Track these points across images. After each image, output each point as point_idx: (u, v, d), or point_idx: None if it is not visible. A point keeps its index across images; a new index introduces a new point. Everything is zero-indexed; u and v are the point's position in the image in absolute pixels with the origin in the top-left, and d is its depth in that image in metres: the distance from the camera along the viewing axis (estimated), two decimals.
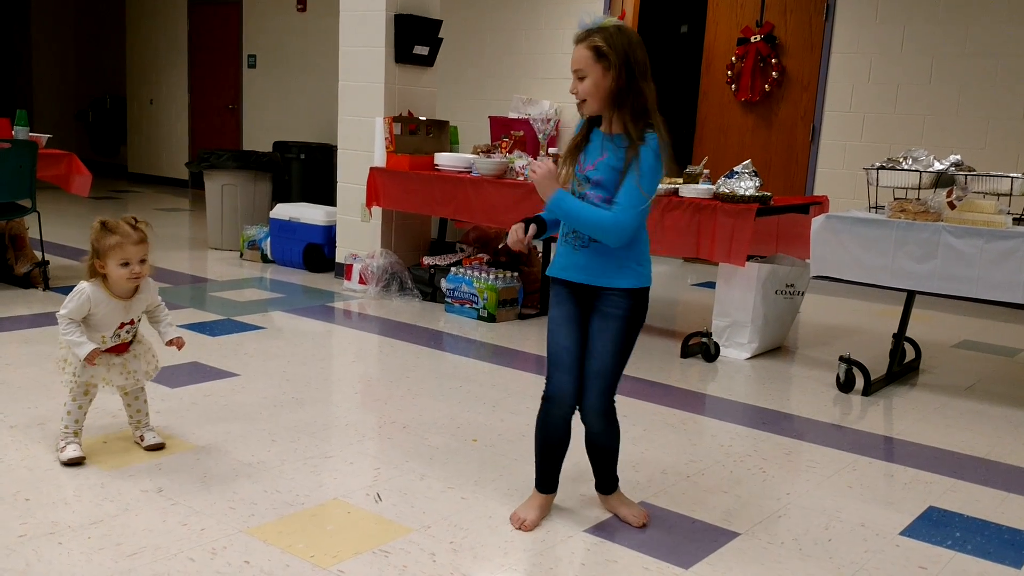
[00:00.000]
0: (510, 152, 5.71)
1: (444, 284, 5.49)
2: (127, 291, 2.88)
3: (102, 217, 2.87)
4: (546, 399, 2.61)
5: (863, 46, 7.15)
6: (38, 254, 5.51)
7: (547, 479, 2.70)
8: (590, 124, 2.58)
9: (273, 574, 2.27)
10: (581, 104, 2.52)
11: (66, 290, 5.32)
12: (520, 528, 2.62)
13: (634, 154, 2.42)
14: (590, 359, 2.57)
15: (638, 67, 2.44)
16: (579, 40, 2.48)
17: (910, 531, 2.74)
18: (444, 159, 5.65)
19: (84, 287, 2.83)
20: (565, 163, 2.58)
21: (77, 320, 2.83)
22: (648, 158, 2.43)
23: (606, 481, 2.78)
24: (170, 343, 3.03)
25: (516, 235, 2.55)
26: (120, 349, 2.95)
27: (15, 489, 2.68)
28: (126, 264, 2.81)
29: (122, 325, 2.91)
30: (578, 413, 2.64)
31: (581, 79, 2.49)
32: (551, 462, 2.69)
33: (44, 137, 5.58)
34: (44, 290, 5.39)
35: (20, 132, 5.46)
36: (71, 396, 2.93)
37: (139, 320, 2.99)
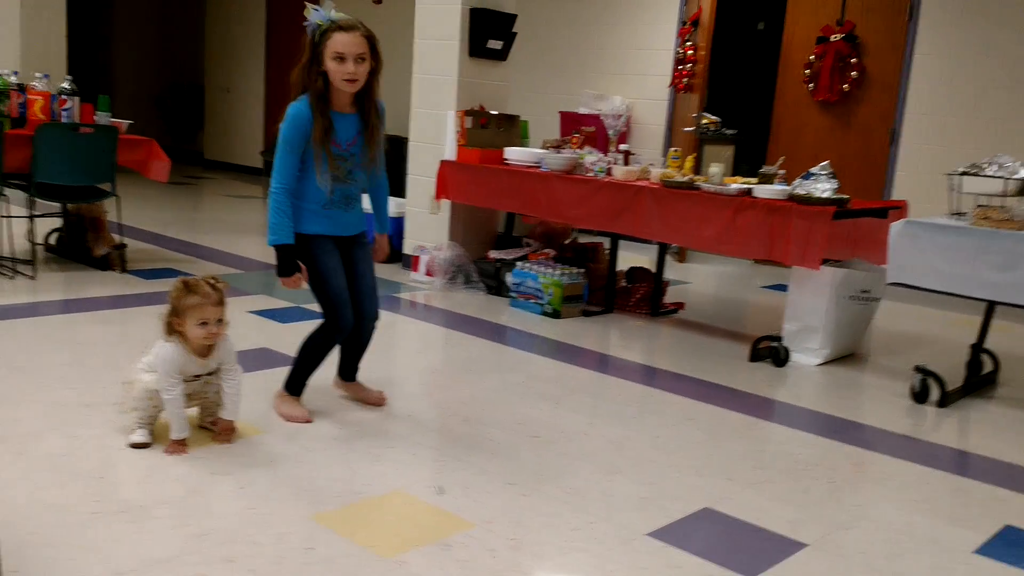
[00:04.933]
0: (580, 148, 5.68)
1: (509, 278, 5.49)
2: (203, 349, 2.93)
3: (184, 277, 2.93)
4: (339, 331, 3.20)
5: (947, 47, 6.94)
6: (116, 237, 5.66)
7: (303, 387, 3.31)
8: (322, 108, 3.01)
9: (335, 561, 2.29)
10: (351, 83, 3.01)
11: (142, 273, 5.50)
12: (306, 422, 3.21)
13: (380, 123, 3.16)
14: (364, 281, 3.28)
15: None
16: (353, 28, 3.02)
17: (985, 550, 2.65)
18: (514, 153, 5.64)
19: (167, 348, 2.88)
20: (321, 149, 3.02)
21: (178, 378, 2.88)
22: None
23: (354, 369, 3.50)
24: (214, 423, 3.05)
25: (300, 281, 3.12)
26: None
27: (89, 467, 2.75)
28: (204, 324, 2.86)
29: (197, 377, 2.97)
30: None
31: (362, 62, 3.01)
32: (312, 374, 3.29)
33: (125, 123, 5.71)
34: (121, 272, 5.53)
35: (102, 117, 5.59)
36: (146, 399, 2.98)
37: (215, 371, 3.03)
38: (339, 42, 2.99)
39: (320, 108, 3.02)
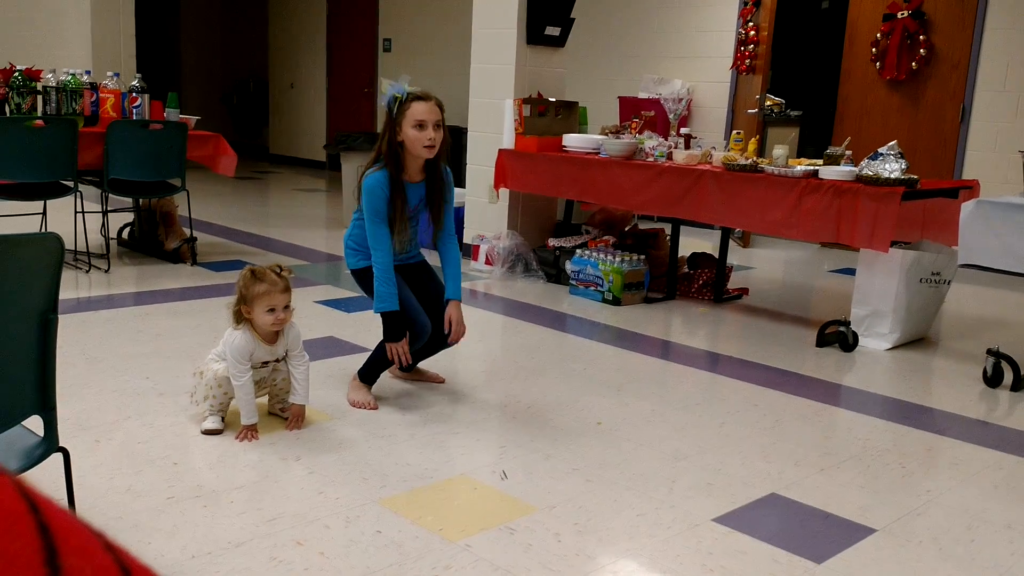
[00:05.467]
0: (640, 133, 5.64)
1: (569, 266, 5.48)
2: (271, 335, 3.01)
3: (251, 266, 3.01)
4: (420, 336, 3.31)
5: (1019, 22, 6.71)
6: (187, 231, 5.80)
7: (376, 378, 3.42)
8: (397, 180, 3.19)
9: (403, 544, 2.33)
10: (431, 149, 3.17)
11: (213, 265, 5.62)
12: (372, 408, 3.31)
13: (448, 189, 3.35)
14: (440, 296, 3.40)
15: None
16: (429, 97, 3.20)
17: None
18: (572, 140, 5.63)
19: (236, 335, 2.96)
20: (402, 220, 3.24)
21: (247, 364, 2.96)
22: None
23: (415, 363, 3.63)
24: (283, 409, 3.13)
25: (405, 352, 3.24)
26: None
27: (164, 453, 2.84)
28: (272, 310, 2.94)
29: (266, 363, 3.05)
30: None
31: (438, 129, 3.17)
32: (387, 368, 3.43)
33: (193, 119, 5.84)
34: (192, 265, 5.67)
35: (171, 114, 5.73)
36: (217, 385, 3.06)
37: (283, 358, 3.11)
38: (419, 110, 3.15)
39: (396, 180, 3.18)
